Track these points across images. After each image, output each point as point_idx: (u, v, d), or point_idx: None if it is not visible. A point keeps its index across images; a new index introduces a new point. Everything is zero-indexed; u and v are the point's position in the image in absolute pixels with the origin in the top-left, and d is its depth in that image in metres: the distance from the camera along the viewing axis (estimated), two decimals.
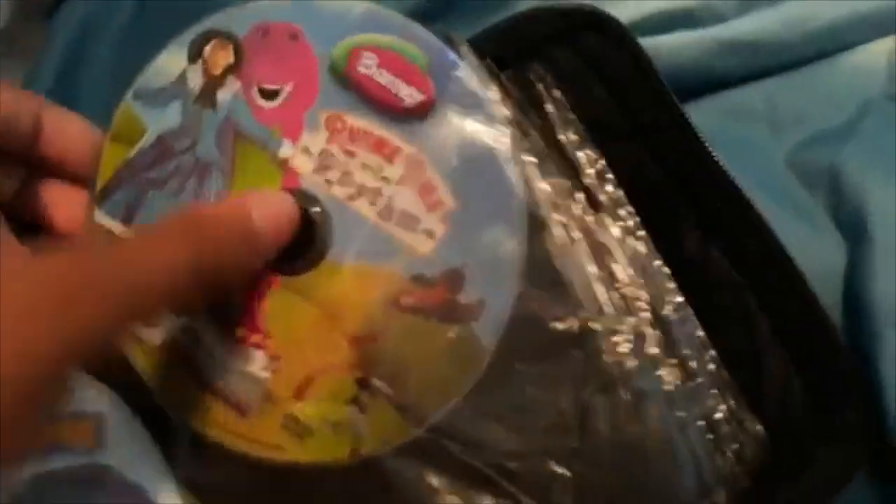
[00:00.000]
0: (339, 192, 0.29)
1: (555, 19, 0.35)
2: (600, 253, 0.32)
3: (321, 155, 0.29)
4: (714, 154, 0.33)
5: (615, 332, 0.31)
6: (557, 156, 0.34)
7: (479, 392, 0.28)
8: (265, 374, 0.29)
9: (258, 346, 0.29)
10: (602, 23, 0.35)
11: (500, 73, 0.34)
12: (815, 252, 0.34)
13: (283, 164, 0.29)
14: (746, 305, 0.32)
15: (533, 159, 0.33)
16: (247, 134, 0.30)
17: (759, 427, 0.30)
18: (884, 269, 0.32)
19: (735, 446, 0.30)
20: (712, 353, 0.31)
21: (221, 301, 0.29)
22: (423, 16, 0.38)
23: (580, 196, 0.33)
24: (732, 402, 0.31)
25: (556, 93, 0.35)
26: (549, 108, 0.35)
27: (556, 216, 0.32)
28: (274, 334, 0.29)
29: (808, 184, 0.35)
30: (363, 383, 0.29)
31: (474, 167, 0.29)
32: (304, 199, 0.29)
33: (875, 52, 0.36)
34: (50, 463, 0.31)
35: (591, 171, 0.34)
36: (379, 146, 0.29)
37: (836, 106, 0.36)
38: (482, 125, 0.29)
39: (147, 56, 0.31)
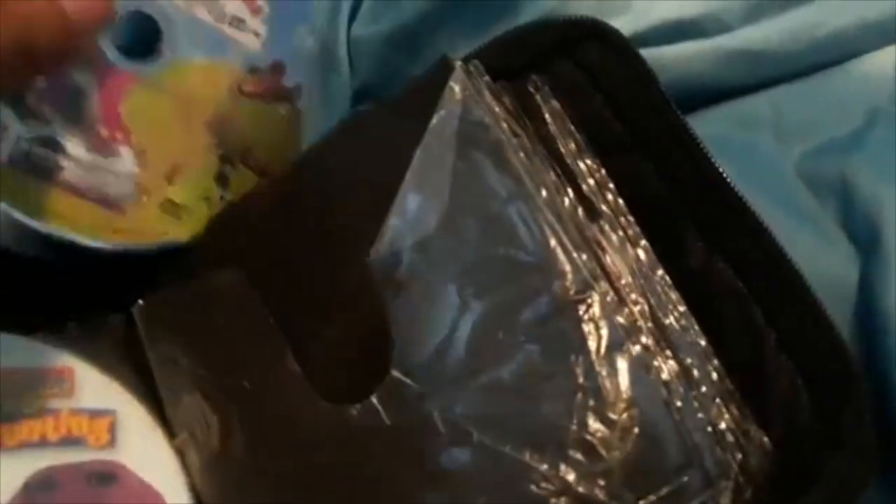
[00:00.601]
0: (181, 2, 0.34)
1: (557, 31, 0.35)
2: (595, 253, 0.31)
3: None
4: (717, 165, 0.32)
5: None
6: (555, 164, 0.34)
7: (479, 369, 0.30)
8: (135, 169, 0.33)
9: (123, 142, 0.33)
10: (603, 34, 0.35)
11: (495, 83, 0.35)
12: (825, 262, 0.33)
13: None
14: (752, 317, 0.31)
15: (524, 158, 0.32)
16: None
17: (764, 438, 0.30)
18: None
19: (740, 457, 0.29)
20: (716, 362, 0.31)
21: (76, 105, 0.32)
22: (427, 24, 0.38)
23: (574, 201, 0.33)
24: (737, 413, 0.30)
25: (555, 104, 0.35)
26: (548, 118, 0.35)
27: (547, 215, 0.32)
28: (136, 130, 0.33)
29: (818, 193, 0.34)
30: (224, 159, 0.35)
31: None
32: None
33: (883, 60, 0.36)
34: (67, 455, 0.32)
35: (590, 180, 0.34)
36: None
37: (844, 114, 0.35)
38: None
39: None
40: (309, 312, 0.34)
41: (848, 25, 0.36)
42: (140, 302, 0.36)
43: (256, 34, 0.36)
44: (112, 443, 0.33)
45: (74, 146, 0.32)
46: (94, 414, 0.33)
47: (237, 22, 0.35)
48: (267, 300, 0.34)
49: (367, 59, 0.38)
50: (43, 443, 0.32)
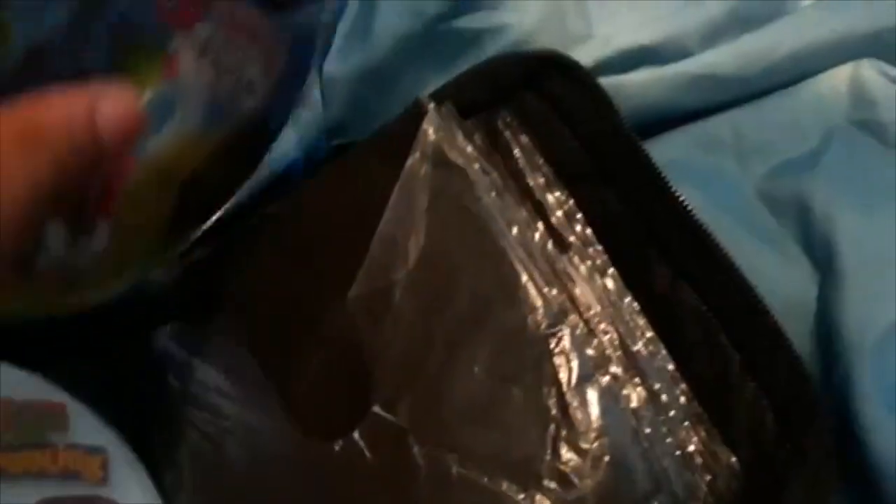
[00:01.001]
0: (207, 74, 0.29)
1: (521, 64, 0.37)
2: (564, 286, 0.33)
3: (204, 42, 0.29)
4: (677, 192, 0.33)
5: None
6: (526, 199, 0.35)
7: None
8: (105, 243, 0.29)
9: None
10: (565, 67, 0.36)
11: (465, 121, 0.36)
12: (785, 281, 0.35)
13: (168, 56, 0.28)
14: (717, 340, 0.32)
15: (496, 198, 0.34)
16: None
17: (732, 459, 0.31)
18: (853, 297, 0.32)
19: (708, 478, 0.31)
20: (683, 386, 0.32)
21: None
22: (395, 61, 0.39)
23: (545, 234, 0.34)
24: (704, 434, 0.31)
25: (524, 138, 0.36)
26: (517, 153, 0.36)
27: (519, 251, 0.33)
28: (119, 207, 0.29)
29: (778, 213, 0.36)
30: (181, 216, 0.32)
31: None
32: None
33: (836, 80, 0.37)
34: (65, 489, 0.33)
35: (559, 212, 0.35)
36: (252, 32, 0.30)
37: (800, 134, 0.36)
38: None
39: None
40: (292, 350, 0.35)
41: (801, 48, 0.37)
42: (125, 348, 0.37)
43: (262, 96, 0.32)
44: (105, 480, 0.34)
45: (56, 243, 0.28)
46: (89, 450, 0.35)
47: (250, 86, 0.31)
48: (252, 338, 0.35)
49: (339, 96, 0.39)
50: (42, 474, 0.33)
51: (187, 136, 0.30)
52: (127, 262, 0.31)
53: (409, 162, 0.34)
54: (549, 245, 0.34)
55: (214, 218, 0.34)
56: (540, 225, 0.34)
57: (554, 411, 0.30)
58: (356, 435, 0.32)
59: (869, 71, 0.37)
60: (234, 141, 0.31)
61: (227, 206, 0.34)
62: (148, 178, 0.29)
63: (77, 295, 0.30)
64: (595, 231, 0.34)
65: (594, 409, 0.30)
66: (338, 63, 0.39)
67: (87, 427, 0.35)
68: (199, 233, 0.33)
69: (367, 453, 0.31)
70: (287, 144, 0.39)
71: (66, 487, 0.33)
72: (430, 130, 0.35)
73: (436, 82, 0.38)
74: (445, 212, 0.33)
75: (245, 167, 0.34)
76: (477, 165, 0.34)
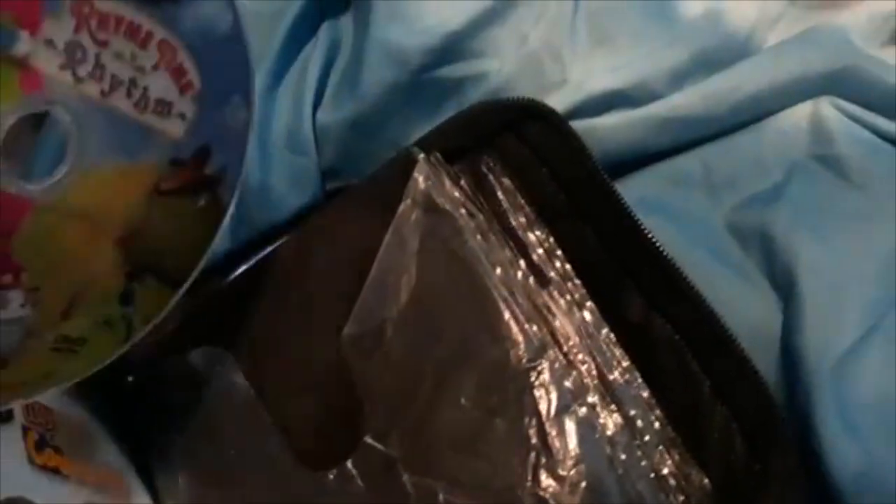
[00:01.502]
0: (91, 89, 0.27)
1: (501, 112, 0.39)
2: (545, 320, 0.35)
3: (68, 47, 0.26)
4: (647, 231, 0.36)
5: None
6: (509, 238, 0.37)
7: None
8: (24, 312, 0.27)
9: (11, 286, 0.26)
10: (541, 113, 0.38)
11: (452, 166, 0.38)
12: (751, 309, 0.37)
13: (22, 63, 0.26)
14: (688, 367, 0.35)
15: (481, 240, 0.36)
16: None
17: (705, 480, 0.33)
18: (812, 323, 0.35)
19: (682, 498, 0.33)
20: (658, 412, 0.34)
21: None
22: (385, 109, 0.42)
23: (526, 271, 0.36)
24: (678, 457, 0.33)
25: (506, 181, 0.39)
26: (500, 195, 0.38)
27: (502, 290, 0.35)
28: (29, 265, 0.26)
29: (744, 244, 0.38)
30: (131, 276, 0.28)
31: (216, 45, 0.28)
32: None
33: (797, 117, 0.39)
34: (99, 497, 0.35)
35: (540, 250, 0.37)
36: (132, 32, 0.27)
37: (764, 169, 0.39)
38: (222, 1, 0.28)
39: None
40: (289, 385, 0.37)
41: (762, 88, 0.39)
42: (129, 378, 0.39)
43: (182, 117, 0.29)
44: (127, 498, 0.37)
45: None
46: (112, 470, 0.37)
47: (162, 107, 0.28)
48: (250, 374, 0.38)
49: (332, 142, 0.42)
50: (82, 482, 0.33)
51: (96, 172, 0.27)
52: (78, 339, 0.27)
53: (401, 209, 0.37)
54: (531, 281, 0.36)
55: (185, 289, 0.29)
56: (522, 263, 0.37)
57: (534, 440, 0.32)
58: (349, 464, 0.34)
59: (828, 108, 0.39)
60: (174, 183, 0.28)
61: (199, 273, 0.30)
62: (56, 225, 0.26)
63: (15, 373, 0.26)
64: (574, 267, 0.37)
65: (572, 439, 0.32)
66: (330, 113, 0.42)
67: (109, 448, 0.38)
68: (172, 306, 0.29)
69: (360, 481, 0.33)
70: (285, 191, 0.42)
71: (100, 496, 0.35)
72: (420, 179, 0.37)
73: (421, 127, 0.41)
74: (434, 255, 0.36)
75: (205, 221, 0.30)
76: (463, 210, 0.37)
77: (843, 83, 0.39)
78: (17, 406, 0.28)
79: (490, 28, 0.41)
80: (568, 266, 0.37)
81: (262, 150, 0.41)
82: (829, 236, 0.37)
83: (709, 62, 0.41)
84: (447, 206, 0.37)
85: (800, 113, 0.40)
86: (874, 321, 0.34)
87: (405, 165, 0.38)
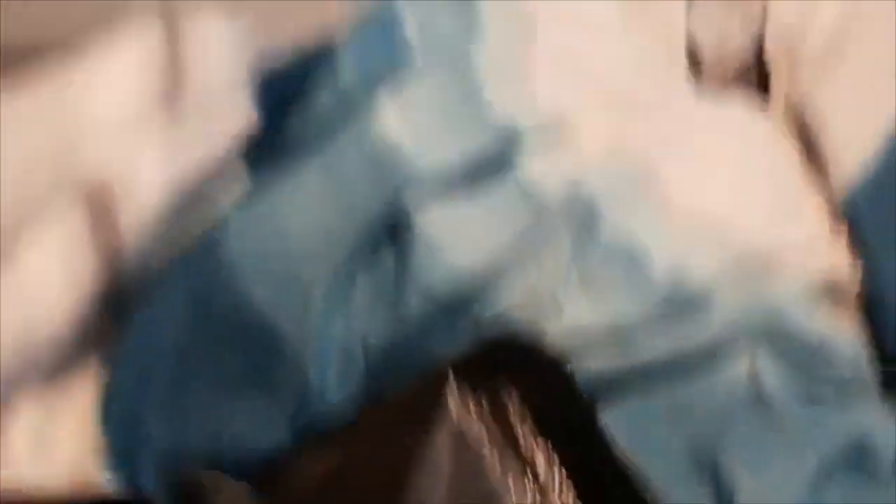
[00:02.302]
0: None
1: (507, 349, 0.50)
2: None
3: None
4: (619, 454, 0.47)
5: None
6: (521, 460, 0.47)
7: None
8: None
9: None
10: (537, 352, 0.49)
11: (475, 392, 0.49)
12: None
13: None
14: None
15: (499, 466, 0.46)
16: None
17: None
18: None
19: None
20: None
21: None
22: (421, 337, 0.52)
23: (533, 486, 0.47)
24: None
25: (517, 406, 0.49)
26: (513, 420, 0.48)
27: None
28: None
29: (700, 475, 0.49)
30: None
31: None
32: None
33: (737, 368, 0.51)
34: None
35: (544, 468, 0.47)
36: None
37: (713, 412, 0.50)
38: None
39: None
40: None
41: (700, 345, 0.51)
42: None
43: None
44: None
45: None
46: None
47: None
48: None
49: (375, 361, 0.52)
50: None
51: None
52: None
53: (434, 430, 0.46)
54: (537, 497, 0.46)
55: None
56: (529, 479, 0.47)
57: None
58: None
59: (763, 360, 0.52)
60: None
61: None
62: None
63: None
64: (575, 485, 0.47)
65: None
66: (375, 338, 0.52)
67: None
68: None
69: None
70: (331, 387, 0.51)
71: None
72: (451, 403, 0.47)
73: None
74: (461, 476, 0.45)
75: None
76: (486, 434, 0.47)
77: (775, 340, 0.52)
78: None
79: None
80: (571, 495, 0.47)
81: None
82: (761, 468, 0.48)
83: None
84: (473, 432, 0.47)
85: (740, 365, 0.52)
86: None
87: (436, 383, 0.48)
